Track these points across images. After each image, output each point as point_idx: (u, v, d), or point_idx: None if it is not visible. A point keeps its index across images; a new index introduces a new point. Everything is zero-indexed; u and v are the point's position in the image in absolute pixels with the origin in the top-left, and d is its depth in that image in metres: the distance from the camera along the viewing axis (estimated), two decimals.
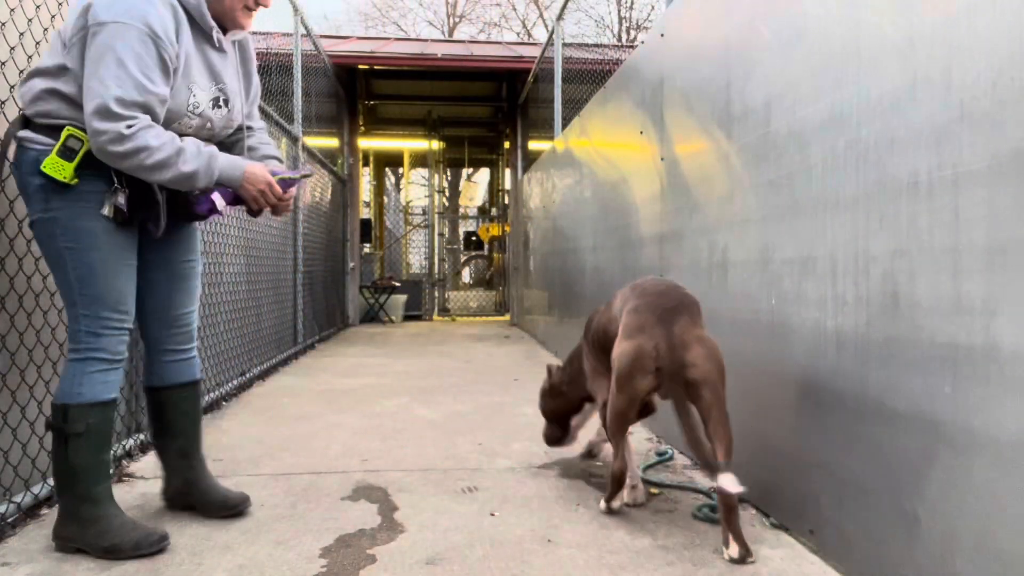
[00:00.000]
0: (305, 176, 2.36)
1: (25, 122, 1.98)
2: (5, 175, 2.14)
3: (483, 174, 18.65)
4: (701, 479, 2.72)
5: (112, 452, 2.51)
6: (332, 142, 9.95)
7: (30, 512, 2.29)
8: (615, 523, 2.28)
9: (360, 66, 10.35)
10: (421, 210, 15.06)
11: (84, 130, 1.91)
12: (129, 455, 2.95)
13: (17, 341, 2.26)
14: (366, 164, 13.98)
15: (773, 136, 2.31)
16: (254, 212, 2.18)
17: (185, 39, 2.01)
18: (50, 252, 2.00)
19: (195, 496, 2.31)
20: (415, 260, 15.14)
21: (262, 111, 5.08)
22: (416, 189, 17.72)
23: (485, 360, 6.09)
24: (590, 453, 3.02)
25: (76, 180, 1.93)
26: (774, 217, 2.30)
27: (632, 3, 20.11)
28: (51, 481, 2.29)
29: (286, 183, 2.19)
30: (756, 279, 2.43)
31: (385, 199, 15.93)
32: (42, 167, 1.90)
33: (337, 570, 1.93)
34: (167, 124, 2.00)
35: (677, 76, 3.23)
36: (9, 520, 2.18)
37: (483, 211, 15.65)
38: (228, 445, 3.23)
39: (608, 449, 2.67)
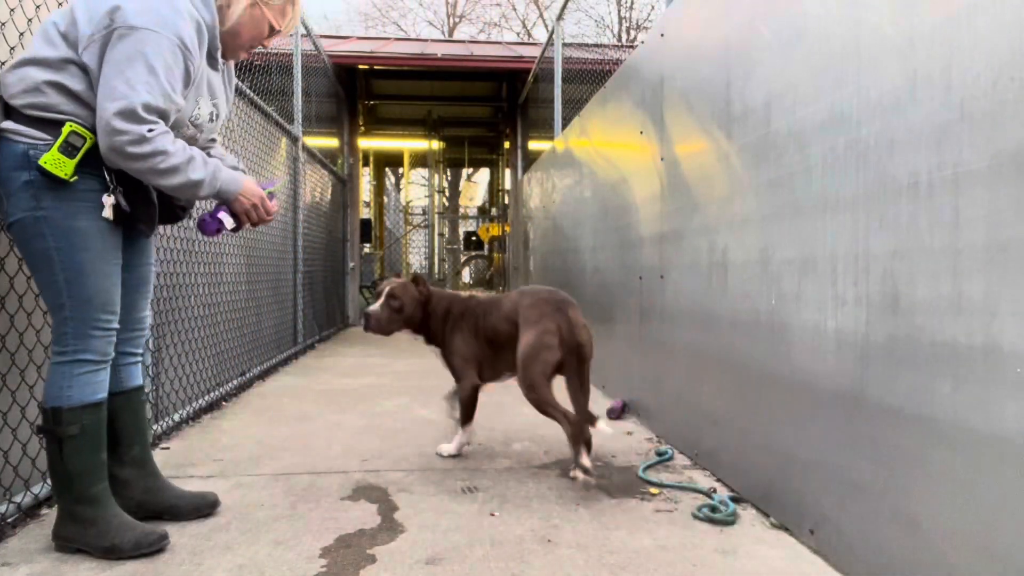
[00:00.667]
0: (280, 184, 2.37)
1: (6, 112, 1.89)
2: None
3: (483, 174, 18.66)
4: (701, 479, 2.72)
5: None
6: (332, 142, 9.94)
7: (30, 512, 2.29)
8: (615, 523, 2.28)
9: (360, 66, 10.35)
10: (421, 210, 15.08)
11: (86, 127, 1.89)
12: None
13: (17, 341, 2.26)
14: (366, 164, 13.99)
15: (773, 136, 2.30)
16: (238, 228, 2.21)
17: (203, 55, 2.06)
18: (35, 252, 1.92)
19: (160, 503, 2.25)
20: (415, 260, 15.15)
21: (262, 111, 5.10)
22: (416, 189, 17.73)
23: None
24: (459, 453, 3.10)
25: (75, 178, 1.89)
26: (774, 217, 2.30)
27: (632, 3, 20.11)
28: (51, 481, 2.28)
29: (271, 196, 2.26)
30: (756, 279, 2.43)
31: (385, 199, 15.93)
32: (41, 162, 1.84)
33: (337, 570, 1.93)
34: None
35: (677, 76, 3.23)
36: (9, 520, 2.18)
37: (483, 211, 15.66)
38: (228, 445, 3.23)
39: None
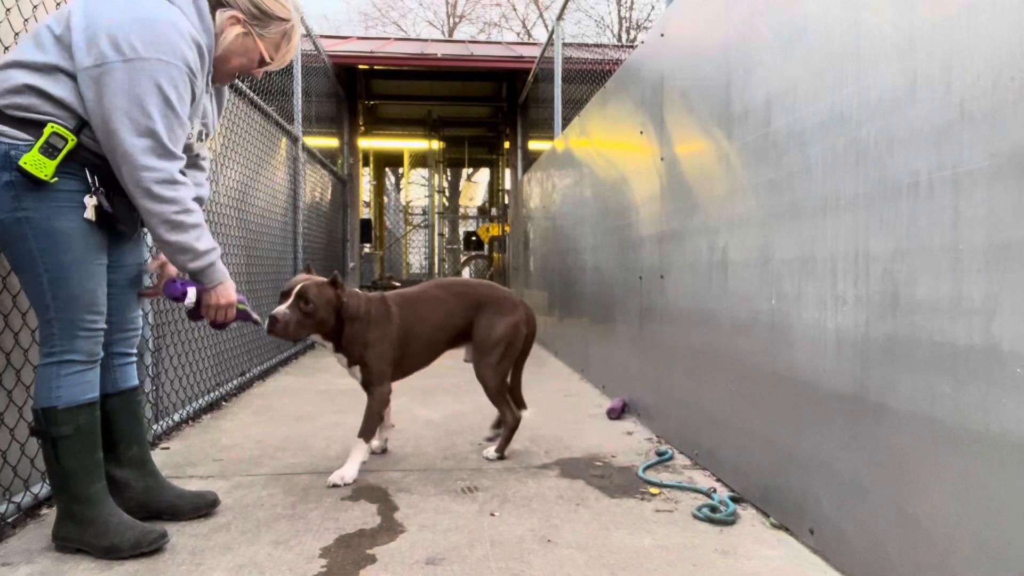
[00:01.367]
0: (256, 323, 2.39)
1: None
2: None
3: (483, 174, 18.65)
4: (701, 479, 2.72)
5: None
6: (332, 142, 9.94)
7: (30, 512, 2.29)
8: (615, 523, 2.28)
9: (360, 66, 10.35)
10: (421, 210, 15.08)
11: (68, 128, 1.87)
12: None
13: (12, 340, 2.26)
14: (366, 164, 13.99)
15: (773, 136, 2.30)
16: (196, 317, 2.22)
17: (204, 78, 2.08)
18: (18, 254, 1.90)
19: (160, 503, 2.25)
20: (415, 260, 15.16)
21: (261, 111, 5.09)
22: (416, 189, 17.73)
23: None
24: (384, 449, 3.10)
25: (56, 179, 1.86)
26: (774, 217, 2.30)
27: (632, 3, 20.11)
28: (49, 482, 2.28)
29: (241, 312, 2.26)
30: (756, 279, 2.43)
31: (385, 199, 15.94)
32: (21, 163, 1.82)
33: (337, 570, 1.92)
34: None
35: (677, 76, 3.23)
36: (9, 520, 2.18)
37: (483, 211, 15.66)
38: (228, 445, 3.23)
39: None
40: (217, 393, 4.12)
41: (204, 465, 2.90)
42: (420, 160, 14.10)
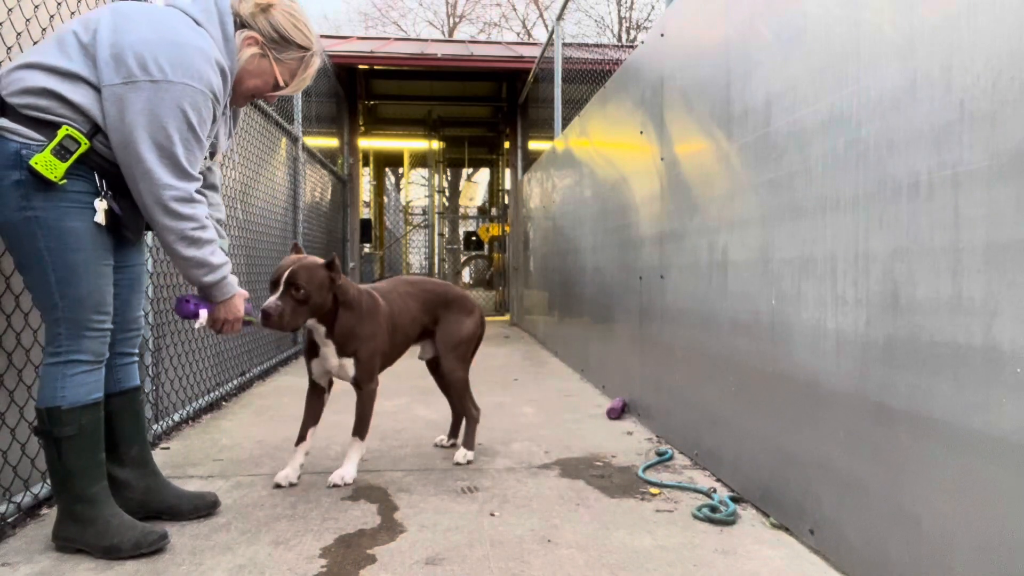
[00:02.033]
0: (256, 325, 2.43)
1: (1, 110, 1.87)
2: None
3: (483, 174, 18.65)
4: (701, 479, 2.72)
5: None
6: (332, 142, 9.95)
7: (30, 512, 2.29)
8: (615, 523, 2.28)
9: (360, 66, 10.35)
10: (421, 210, 15.08)
11: (82, 131, 1.89)
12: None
13: (14, 341, 2.26)
14: (366, 164, 13.99)
15: (773, 136, 2.30)
16: (210, 325, 2.26)
17: (226, 100, 2.12)
18: (27, 252, 1.90)
19: (160, 503, 2.25)
20: (415, 260, 15.16)
21: (261, 111, 5.10)
22: (416, 189, 17.73)
23: (485, 360, 6.08)
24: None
25: (64, 181, 1.87)
26: (774, 217, 2.30)
27: (632, 3, 20.12)
28: (50, 481, 2.28)
29: (246, 322, 2.32)
30: (756, 279, 2.43)
31: (385, 199, 15.94)
32: (32, 162, 1.82)
33: (337, 570, 1.92)
34: None
35: (677, 76, 3.23)
36: (9, 520, 2.18)
37: (483, 211, 15.66)
38: (228, 445, 3.23)
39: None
40: (217, 393, 4.12)
41: (204, 465, 2.90)
42: (420, 160, 14.10)
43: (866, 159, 1.82)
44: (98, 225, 1.95)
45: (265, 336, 5.40)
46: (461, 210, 17.96)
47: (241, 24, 2.12)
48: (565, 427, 3.63)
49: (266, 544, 2.10)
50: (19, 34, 2.29)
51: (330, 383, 2.85)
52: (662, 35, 3.49)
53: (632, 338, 3.92)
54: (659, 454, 3.03)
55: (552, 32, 7.65)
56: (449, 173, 19.29)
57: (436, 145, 12.92)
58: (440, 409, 4.03)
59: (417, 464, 2.94)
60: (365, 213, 13.48)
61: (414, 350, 3.09)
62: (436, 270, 12.94)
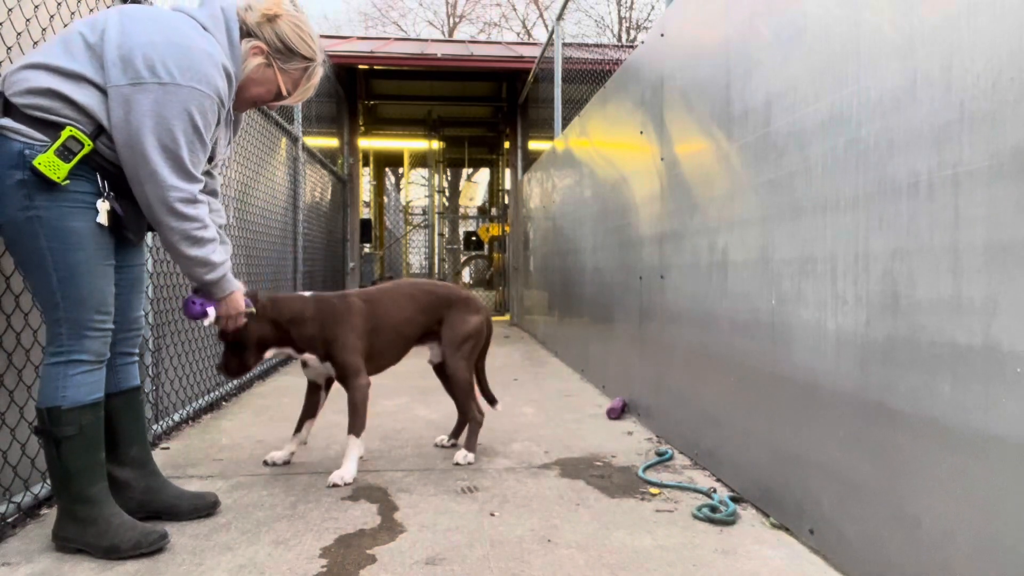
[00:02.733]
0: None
1: (5, 109, 1.87)
2: None
3: (483, 174, 18.65)
4: (701, 479, 2.72)
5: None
6: (332, 142, 9.95)
7: (30, 512, 2.29)
8: (615, 523, 2.28)
9: (360, 66, 10.35)
10: (421, 210, 15.08)
11: (85, 133, 1.89)
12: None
13: (14, 341, 2.26)
14: (366, 164, 13.99)
15: (773, 136, 2.30)
16: (215, 323, 2.32)
17: (230, 104, 2.14)
18: (29, 252, 1.90)
19: (160, 503, 2.25)
20: (415, 260, 15.16)
21: (261, 111, 5.09)
22: (416, 189, 17.74)
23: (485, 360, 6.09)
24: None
25: (67, 182, 1.87)
26: (774, 217, 2.30)
27: (632, 3, 20.12)
28: (50, 481, 2.28)
29: (246, 315, 2.41)
30: (756, 279, 2.43)
31: (385, 199, 15.94)
32: (35, 163, 1.82)
33: (337, 570, 1.92)
34: None
35: (677, 76, 3.23)
36: (9, 520, 2.18)
37: (483, 211, 15.66)
38: (228, 445, 3.23)
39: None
40: (217, 393, 4.12)
41: (204, 465, 2.90)
42: (420, 160, 14.11)
43: (866, 159, 1.83)
44: (100, 226, 1.96)
45: None
46: (461, 210, 17.96)
47: (247, 33, 2.13)
48: (565, 427, 3.63)
49: (266, 544, 2.10)
50: (19, 34, 2.29)
51: (329, 380, 2.98)
52: (662, 35, 3.49)
53: (632, 338, 3.92)
54: (659, 454, 3.03)
55: (552, 32, 7.65)
56: (449, 173, 19.29)
57: (436, 145, 12.93)
58: (440, 409, 4.03)
59: (417, 464, 2.94)
60: (365, 213, 13.48)
61: (422, 352, 3.11)
62: (436, 270, 12.94)
